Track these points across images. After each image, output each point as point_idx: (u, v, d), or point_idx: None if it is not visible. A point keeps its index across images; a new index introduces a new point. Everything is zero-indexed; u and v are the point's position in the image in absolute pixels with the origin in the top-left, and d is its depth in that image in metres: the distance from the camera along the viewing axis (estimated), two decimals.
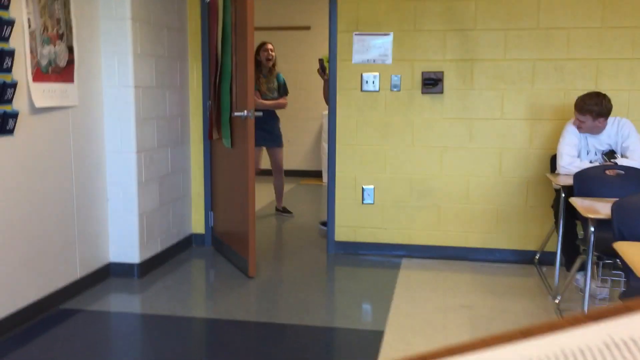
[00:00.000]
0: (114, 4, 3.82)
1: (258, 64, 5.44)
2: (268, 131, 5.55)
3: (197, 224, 4.89)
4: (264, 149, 5.69)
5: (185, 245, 4.78)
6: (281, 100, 5.64)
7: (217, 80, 4.43)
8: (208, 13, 4.59)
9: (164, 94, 4.32)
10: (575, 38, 4.20)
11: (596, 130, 3.76)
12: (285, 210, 5.96)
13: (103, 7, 3.83)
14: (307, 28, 8.24)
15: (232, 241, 4.43)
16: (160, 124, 4.29)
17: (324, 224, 5.01)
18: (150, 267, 4.20)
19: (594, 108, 3.65)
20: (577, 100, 3.74)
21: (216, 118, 4.52)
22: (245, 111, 3.96)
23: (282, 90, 5.66)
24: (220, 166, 4.62)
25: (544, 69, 4.27)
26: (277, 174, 5.79)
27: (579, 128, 3.76)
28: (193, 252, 4.73)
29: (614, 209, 2.58)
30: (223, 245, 4.63)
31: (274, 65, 5.62)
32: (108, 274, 4.05)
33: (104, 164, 3.96)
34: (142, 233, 4.07)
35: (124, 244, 4.04)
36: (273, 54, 5.58)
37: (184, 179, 4.74)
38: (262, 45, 5.58)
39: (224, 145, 4.42)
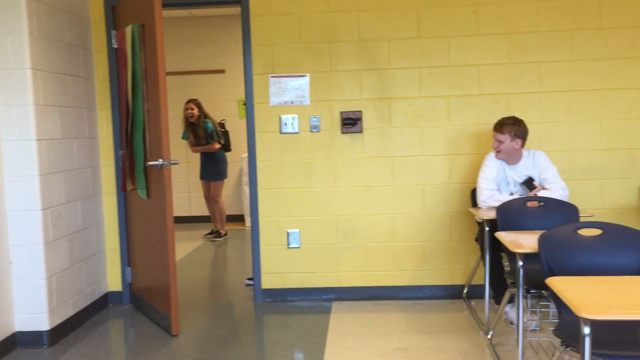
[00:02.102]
0: (11, 53, 3.57)
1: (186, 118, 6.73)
2: (206, 169, 6.90)
3: (114, 281, 4.58)
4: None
5: (101, 305, 4.46)
6: (210, 146, 6.75)
7: (129, 128, 4.22)
8: (116, 59, 4.40)
9: (71, 145, 4.06)
10: (485, 74, 4.32)
11: (514, 156, 3.83)
12: (216, 234, 7.20)
13: None
14: (222, 71, 8.14)
15: (153, 297, 4.17)
16: (69, 177, 4.01)
17: (251, 279, 4.81)
18: (62, 333, 3.86)
19: (512, 127, 3.76)
20: (495, 123, 3.83)
21: (130, 168, 4.29)
22: (161, 160, 3.77)
23: (210, 137, 6.71)
24: (137, 218, 4.37)
25: (459, 105, 4.35)
26: (212, 201, 7.07)
27: (498, 153, 3.83)
28: (110, 312, 4.41)
29: (540, 242, 2.59)
30: (142, 302, 4.34)
31: (199, 118, 6.64)
32: (14, 345, 3.68)
33: (5, 224, 3.64)
34: (50, 296, 3.75)
35: (31, 310, 3.70)
36: (194, 111, 6.63)
37: (98, 234, 4.44)
38: (186, 104, 6.69)
39: (139, 196, 4.19)
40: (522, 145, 3.83)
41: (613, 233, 2.60)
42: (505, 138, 3.79)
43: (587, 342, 1.96)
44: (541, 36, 4.27)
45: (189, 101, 6.71)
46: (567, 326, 2.41)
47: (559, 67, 4.28)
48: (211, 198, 7.01)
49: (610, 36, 4.24)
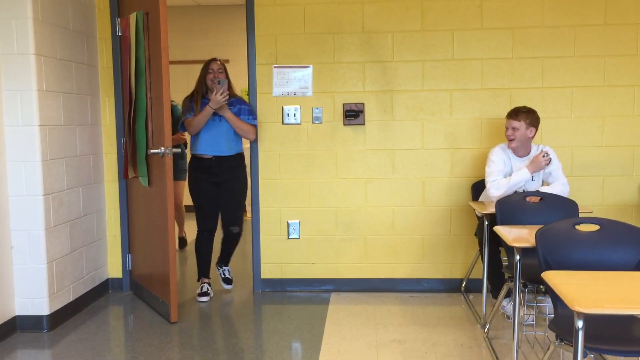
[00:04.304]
0: (16, 38, 3.58)
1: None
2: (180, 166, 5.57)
3: (114, 268, 4.61)
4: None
5: (101, 291, 4.48)
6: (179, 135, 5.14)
7: (132, 116, 4.24)
8: (120, 47, 4.41)
9: (73, 132, 4.07)
10: (488, 68, 4.31)
11: (524, 147, 3.82)
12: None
13: (3, 42, 3.57)
14: (226, 61, 8.12)
15: (152, 284, 4.19)
16: (71, 163, 4.03)
17: (227, 282, 4.65)
18: (62, 318, 3.89)
19: (527, 114, 3.77)
20: (510, 111, 3.83)
21: (132, 155, 4.31)
22: (162, 148, 3.78)
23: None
24: (138, 206, 4.39)
25: (461, 99, 4.35)
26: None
27: (511, 141, 3.80)
28: (110, 299, 4.44)
29: (538, 237, 2.60)
30: (142, 289, 4.37)
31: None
32: (14, 329, 3.71)
33: (7, 209, 3.66)
34: (51, 282, 3.78)
35: (31, 294, 3.72)
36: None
37: (99, 221, 4.46)
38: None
39: (140, 183, 4.21)
40: (534, 135, 3.82)
41: (611, 229, 2.60)
42: (520, 125, 3.77)
43: (581, 335, 1.98)
44: (545, 31, 4.26)
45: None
46: (562, 320, 2.42)
47: (563, 62, 4.28)
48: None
49: (614, 33, 4.23)
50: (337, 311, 4.07)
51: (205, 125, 4.19)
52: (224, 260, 4.59)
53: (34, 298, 3.73)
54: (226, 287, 4.55)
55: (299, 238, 4.50)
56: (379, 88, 4.38)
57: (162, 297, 4.00)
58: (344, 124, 4.40)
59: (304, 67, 4.38)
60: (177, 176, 5.52)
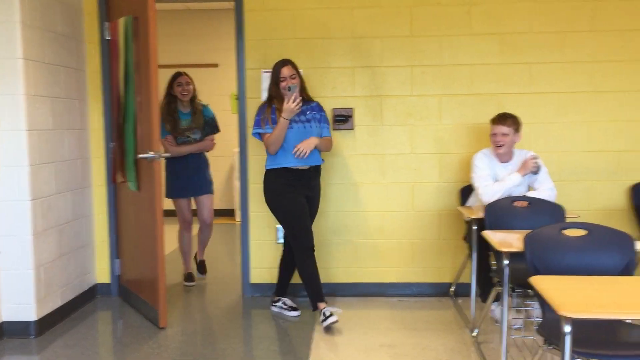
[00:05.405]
0: (3, 42, 3.56)
1: (174, 99, 4.71)
2: (193, 179, 4.76)
3: (102, 273, 4.58)
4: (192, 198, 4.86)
5: (89, 296, 4.46)
6: (206, 142, 4.75)
7: (120, 120, 4.22)
8: (109, 51, 4.39)
9: (62, 136, 4.05)
10: (477, 74, 4.34)
11: (508, 153, 3.85)
12: (201, 266, 5.11)
13: None
14: (215, 65, 8.13)
15: (141, 290, 4.17)
16: (59, 168, 4.01)
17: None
18: (50, 323, 3.86)
19: (514, 120, 3.81)
20: (496, 117, 3.84)
21: (120, 160, 4.29)
22: (151, 152, 3.77)
23: (210, 128, 4.77)
24: (126, 210, 4.37)
25: (450, 104, 4.37)
26: (203, 226, 4.92)
27: (499, 147, 3.82)
28: (98, 304, 4.41)
29: (526, 241, 2.62)
30: (131, 294, 4.35)
31: (193, 99, 4.72)
32: (1, 335, 3.68)
33: None
34: (38, 287, 3.75)
35: (19, 300, 3.69)
36: (190, 87, 4.68)
37: (87, 226, 4.44)
38: (176, 78, 4.69)
39: (129, 188, 4.19)
40: (519, 141, 3.86)
41: (597, 234, 2.63)
42: (509, 131, 3.80)
43: (568, 340, 1.99)
44: (533, 37, 4.30)
45: (179, 74, 4.73)
46: (550, 325, 2.44)
47: (550, 68, 4.31)
48: (204, 220, 4.90)
49: (601, 39, 4.27)
50: None
51: (294, 134, 3.81)
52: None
53: (21, 304, 3.70)
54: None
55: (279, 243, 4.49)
56: (369, 93, 4.40)
57: (151, 302, 3.98)
58: (334, 129, 4.41)
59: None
60: (206, 189, 4.84)
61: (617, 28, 4.26)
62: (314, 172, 3.97)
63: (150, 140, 3.79)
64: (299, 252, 3.86)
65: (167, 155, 4.14)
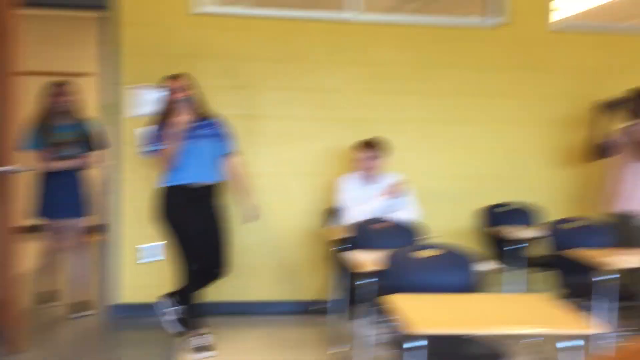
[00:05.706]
0: None
1: (52, 110, 4.34)
2: (63, 199, 4.35)
3: None
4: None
5: None
6: (82, 159, 4.37)
7: None
8: None
9: None
10: (348, 99, 4.55)
11: (376, 175, 4.05)
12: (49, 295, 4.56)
13: None
14: (83, 75, 7.78)
15: None
16: None
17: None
18: None
19: (382, 144, 4.02)
20: (365, 142, 4.03)
21: None
22: (3, 167, 3.54)
23: (92, 144, 4.41)
24: None
25: (321, 127, 4.55)
26: (71, 253, 4.46)
27: (370, 169, 4.00)
28: None
29: (384, 261, 2.76)
30: None
31: (74, 111, 4.40)
32: None
33: None
34: None
35: None
36: (69, 97, 4.37)
37: None
38: (56, 87, 4.37)
39: None
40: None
41: (447, 253, 2.84)
42: (375, 155, 4.00)
43: (417, 355, 2.12)
44: (400, 68, 4.58)
45: (60, 84, 4.40)
46: (399, 339, 2.58)
47: (416, 98, 4.62)
48: (74, 246, 4.46)
49: (461, 74, 4.65)
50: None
51: (187, 151, 3.64)
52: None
53: None
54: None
55: (151, 262, 4.40)
56: (243, 112, 4.44)
57: (1, 324, 3.71)
58: None
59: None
60: (75, 211, 4.39)
61: (474, 66, 4.66)
62: (212, 190, 3.82)
63: (3, 153, 3.56)
64: (193, 273, 3.71)
65: (19, 169, 3.67)
